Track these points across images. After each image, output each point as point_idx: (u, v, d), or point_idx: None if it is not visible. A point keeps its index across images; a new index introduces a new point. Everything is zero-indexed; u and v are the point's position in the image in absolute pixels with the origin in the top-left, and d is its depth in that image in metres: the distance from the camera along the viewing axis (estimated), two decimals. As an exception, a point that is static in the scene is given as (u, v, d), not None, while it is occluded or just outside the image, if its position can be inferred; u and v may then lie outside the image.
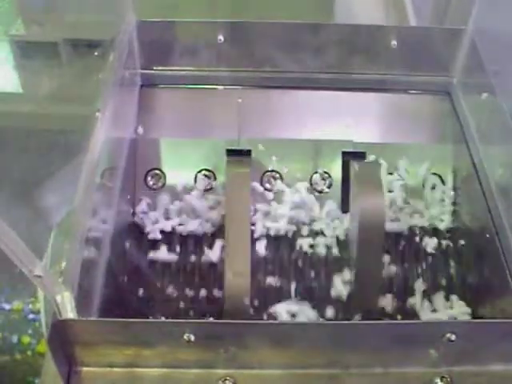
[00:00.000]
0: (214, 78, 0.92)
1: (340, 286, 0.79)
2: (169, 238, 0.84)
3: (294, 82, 0.92)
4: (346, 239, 0.83)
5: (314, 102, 0.91)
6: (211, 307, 0.79)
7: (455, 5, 1.16)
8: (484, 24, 0.86)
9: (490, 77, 0.81)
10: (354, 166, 0.81)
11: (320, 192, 0.86)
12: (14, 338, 1.16)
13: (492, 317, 0.73)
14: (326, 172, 0.87)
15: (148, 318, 0.78)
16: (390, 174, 0.87)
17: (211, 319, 0.77)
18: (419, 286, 0.80)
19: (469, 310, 0.78)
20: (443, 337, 0.57)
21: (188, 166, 0.87)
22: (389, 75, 0.92)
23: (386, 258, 0.82)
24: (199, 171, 0.87)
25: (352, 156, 0.85)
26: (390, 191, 0.86)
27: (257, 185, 0.86)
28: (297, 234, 0.84)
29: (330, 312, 0.78)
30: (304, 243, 0.83)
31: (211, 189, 0.86)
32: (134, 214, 0.85)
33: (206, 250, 0.82)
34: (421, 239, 0.83)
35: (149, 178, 0.87)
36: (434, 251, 0.83)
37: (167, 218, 0.85)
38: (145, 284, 0.80)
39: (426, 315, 0.79)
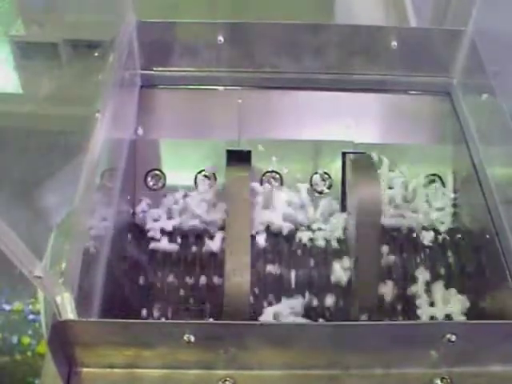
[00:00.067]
0: (214, 78, 0.92)
1: (340, 271, 0.79)
2: (169, 235, 0.84)
3: (294, 83, 0.92)
4: (345, 232, 0.83)
5: (314, 103, 0.91)
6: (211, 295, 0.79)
7: (455, 5, 1.16)
8: (484, 25, 0.86)
9: (490, 77, 0.81)
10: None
11: (320, 193, 0.87)
12: (14, 339, 1.15)
13: (492, 317, 0.73)
14: (326, 173, 0.87)
15: (147, 315, 0.78)
16: (392, 171, 0.87)
17: (211, 320, 0.77)
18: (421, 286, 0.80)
19: (467, 304, 0.78)
20: (443, 337, 0.57)
21: (188, 167, 0.87)
22: (389, 76, 0.92)
23: (385, 249, 0.82)
24: (199, 172, 0.87)
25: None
26: (390, 188, 0.86)
27: (257, 185, 0.86)
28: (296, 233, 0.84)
29: (329, 300, 0.78)
30: (304, 236, 0.83)
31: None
32: (134, 214, 0.85)
33: (206, 240, 0.82)
34: (418, 235, 0.84)
35: (149, 179, 0.87)
36: (434, 251, 0.83)
37: (169, 218, 0.85)
38: (145, 284, 0.80)
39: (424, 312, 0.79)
